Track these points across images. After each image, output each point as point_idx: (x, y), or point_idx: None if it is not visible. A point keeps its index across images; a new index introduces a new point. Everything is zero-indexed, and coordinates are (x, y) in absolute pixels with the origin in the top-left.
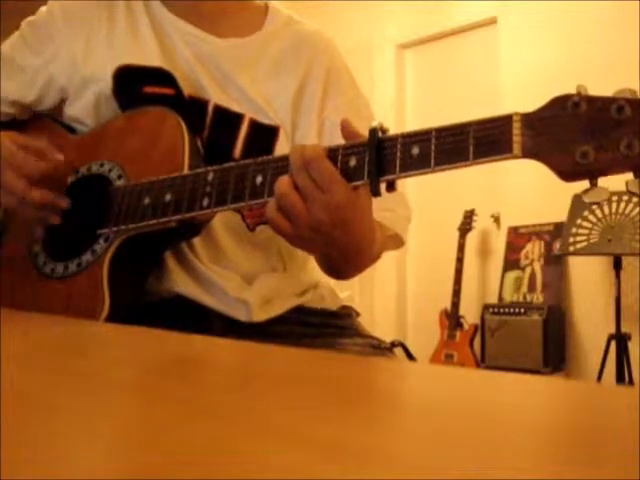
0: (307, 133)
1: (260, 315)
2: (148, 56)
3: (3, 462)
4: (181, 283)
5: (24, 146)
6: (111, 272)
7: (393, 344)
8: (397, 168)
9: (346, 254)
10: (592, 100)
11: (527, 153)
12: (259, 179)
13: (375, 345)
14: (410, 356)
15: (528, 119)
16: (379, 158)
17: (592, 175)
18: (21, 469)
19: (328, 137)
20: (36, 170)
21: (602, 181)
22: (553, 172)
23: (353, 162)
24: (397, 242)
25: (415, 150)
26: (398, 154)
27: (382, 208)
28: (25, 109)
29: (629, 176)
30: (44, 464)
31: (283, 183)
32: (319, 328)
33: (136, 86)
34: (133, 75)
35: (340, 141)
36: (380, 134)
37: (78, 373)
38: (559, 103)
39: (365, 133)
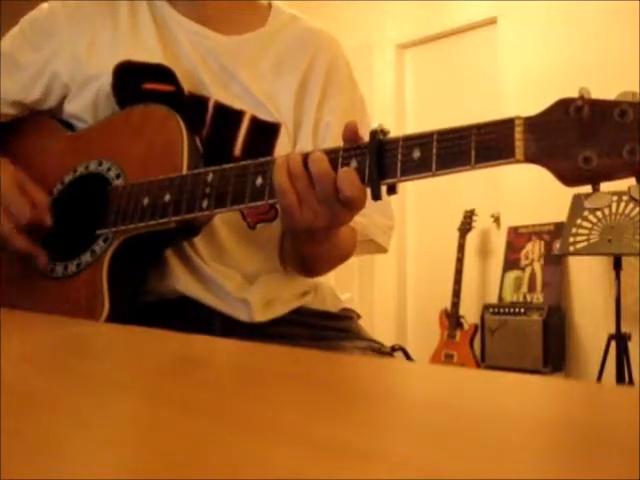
0: (306, 131)
1: (261, 315)
2: (149, 53)
3: (3, 462)
4: (182, 282)
5: (23, 190)
6: (111, 272)
7: (393, 348)
8: (398, 171)
9: (315, 245)
10: (595, 104)
11: (529, 158)
12: (259, 180)
13: (376, 349)
14: (410, 360)
15: (530, 123)
16: (380, 161)
17: (594, 180)
18: (21, 469)
19: (322, 137)
20: (25, 220)
21: (604, 183)
22: (555, 177)
23: (354, 165)
24: (372, 248)
25: (416, 153)
26: (399, 157)
27: (360, 213)
28: (26, 108)
29: (632, 179)
30: (44, 464)
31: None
32: (320, 330)
33: (136, 82)
34: (133, 71)
35: (333, 142)
36: (381, 136)
37: (78, 373)
38: (561, 107)
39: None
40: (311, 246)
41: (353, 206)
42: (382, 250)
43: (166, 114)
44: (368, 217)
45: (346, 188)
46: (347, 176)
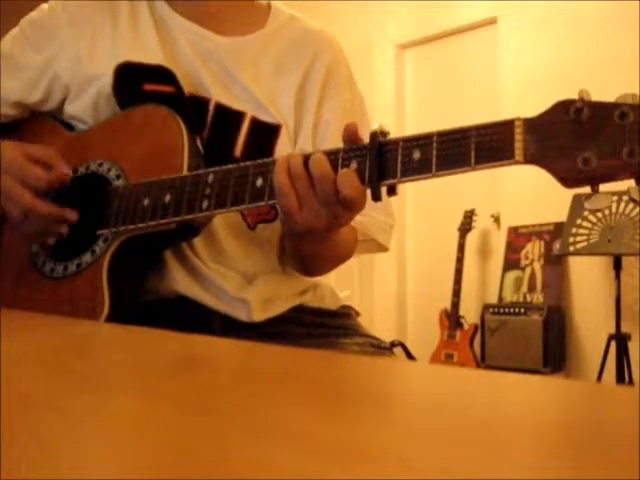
0: (306, 131)
1: (260, 315)
2: (149, 53)
3: (3, 462)
4: (181, 282)
5: (30, 156)
6: (110, 272)
7: (393, 344)
8: (398, 173)
9: (316, 244)
10: (595, 106)
11: (529, 159)
12: (259, 182)
13: (375, 345)
14: (410, 356)
15: (530, 124)
16: (380, 162)
17: (594, 182)
18: (21, 469)
19: (321, 137)
20: (43, 182)
21: (603, 184)
22: (555, 178)
23: (354, 166)
24: (373, 247)
25: (416, 155)
26: (399, 158)
27: (361, 213)
28: (27, 109)
29: (631, 180)
30: (44, 464)
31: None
32: (319, 328)
33: (136, 84)
34: (133, 72)
35: (332, 143)
36: (380, 137)
37: (78, 373)
38: (561, 108)
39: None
40: (312, 246)
41: (353, 207)
42: (383, 249)
43: (167, 115)
44: (369, 216)
45: (346, 189)
46: (347, 177)
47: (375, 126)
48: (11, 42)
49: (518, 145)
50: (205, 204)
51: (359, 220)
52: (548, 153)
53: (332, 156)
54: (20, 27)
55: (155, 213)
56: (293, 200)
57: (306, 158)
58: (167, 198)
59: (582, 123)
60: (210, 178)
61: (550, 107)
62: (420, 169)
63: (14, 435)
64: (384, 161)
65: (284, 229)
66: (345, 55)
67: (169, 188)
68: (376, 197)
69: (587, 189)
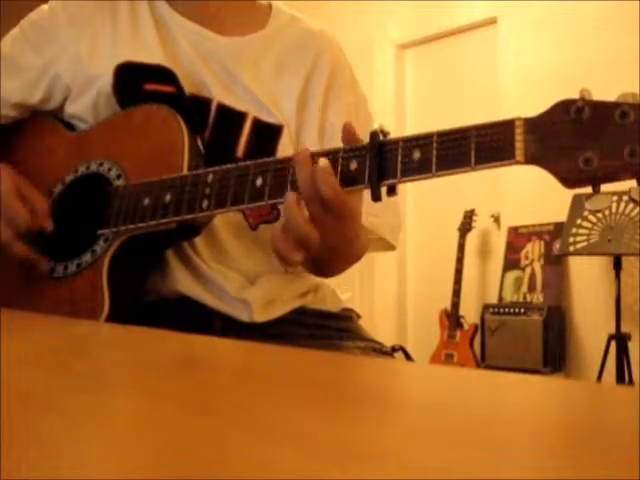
0: (310, 133)
1: (262, 315)
2: (150, 54)
3: (3, 462)
4: (183, 282)
5: (22, 195)
6: (111, 272)
7: (394, 348)
8: (398, 172)
9: (333, 255)
10: (596, 105)
11: (530, 159)
12: (259, 181)
13: (376, 349)
14: (410, 360)
15: (531, 124)
16: (380, 162)
17: (595, 182)
18: (21, 469)
19: (329, 139)
20: (24, 226)
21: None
22: (556, 179)
23: (354, 166)
24: (382, 246)
25: (416, 154)
26: (399, 158)
27: (369, 213)
28: (28, 110)
29: (632, 181)
30: (44, 464)
31: (295, 214)
32: (320, 330)
33: (137, 83)
34: (134, 72)
35: (340, 143)
36: (381, 137)
37: (78, 373)
38: (562, 108)
39: (362, 136)
40: (326, 254)
41: (331, 206)
42: (391, 248)
43: (167, 115)
44: (378, 215)
45: (322, 185)
46: (323, 172)
47: (375, 126)
48: (11, 43)
49: (519, 145)
50: (205, 204)
51: (370, 220)
52: (549, 153)
53: (332, 156)
54: (20, 28)
55: (155, 213)
56: (309, 227)
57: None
58: (167, 198)
59: (583, 123)
60: (210, 178)
61: (551, 107)
62: (420, 169)
63: (14, 435)
64: (384, 161)
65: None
66: (346, 56)
67: (169, 188)
68: (376, 197)
69: (588, 189)
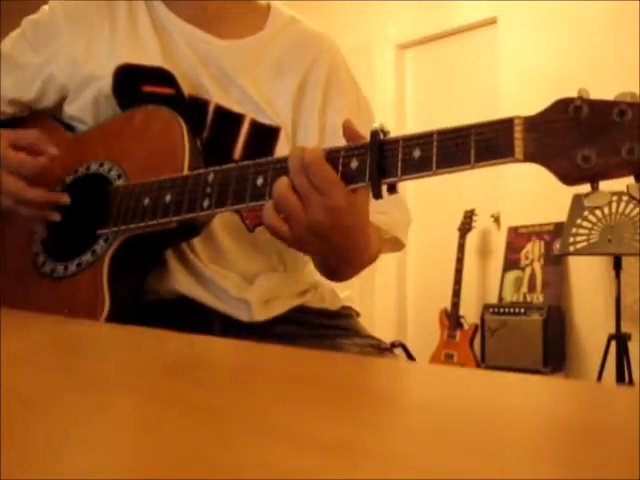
0: (308, 134)
1: (261, 315)
2: (148, 56)
3: (3, 462)
4: (182, 282)
5: (15, 144)
6: (111, 272)
7: (393, 344)
8: (399, 171)
9: (343, 256)
10: (594, 104)
11: (529, 157)
12: (260, 180)
13: (375, 345)
14: (410, 356)
15: (530, 123)
16: (380, 160)
17: (593, 179)
18: (21, 469)
19: (329, 139)
20: (31, 168)
21: (603, 182)
22: (555, 176)
23: (354, 164)
24: (395, 245)
25: (417, 153)
26: (400, 156)
27: (378, 211)
28: (24, 107)
29: (630, 178)
30: (44, 464)
31: (281, 185)
32: (319, 329)
33: (135, 85)
34: (133, 74)
35: (341, 143)
36: (381, 136)
37: (78, 373)
38: (561, 107)
39: (365, 135)
40: (330, 261)
41: (322, 186)
42: (400, 247)
43: (168, 116)
44: (388, 214)
45: (311, 164)
46: (312, 151)
47: (375, 125)
48: (12, 42)
49: (518, 143)
50: (206, 203)
51: (382, 219)
52: (547, 151)
53: (333, 154)
54: (21, 28)
55: (156, 212)
56: (294, 198)
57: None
58: (168, 197)
59: (581, 121)
60: (210, 177)
61: (549, 105)
62: (420, 167)
63: (14, 435)
64: (385, 159)
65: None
66: (344, 57)
67: (170, 187)
68: (377, 195)
69: (588, 189)
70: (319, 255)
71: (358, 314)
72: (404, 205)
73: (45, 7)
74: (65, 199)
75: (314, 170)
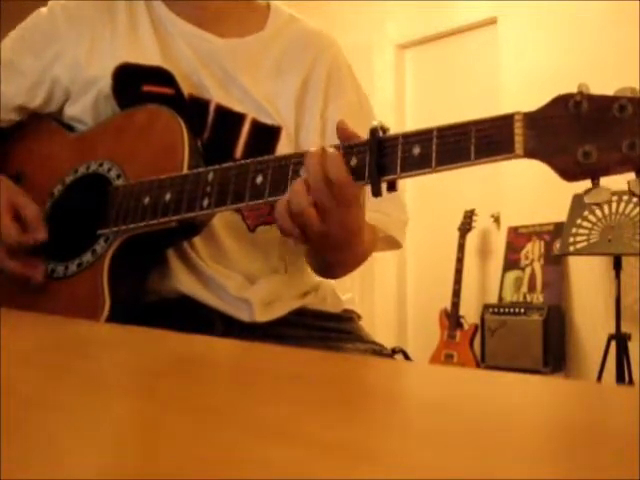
0: (310, 133)
1: (262, 315)
2: (148, 55)
3: (3, 462)
4: (183, 281)
5: (14, 210)
6: (112, 272)
7: (394, 350)
8: (398, 168)
9: (339, 252)
10: (594, 99)
11: (529, 153)
12: (259, 179)
13: (377, 351)
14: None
15: (530, 118)
16: (380, 158)
17: (594, 175)
18: (21, 469)
19: (330, 138)
20: (16, 243)
21: (603, 180)
22: (555, 172)
23: (354, 162)
24: (391, 244)
25: (416, 150)
26: (399, 154)
27: (374, 209)
28: (28, 113)
29: (631, 175)
30: (44, 464)
31: (301, 196)
32: (321, 331)
33: (135, 85)
34: (132, 74)
35: None
36: (381, 134)
37: (79, 373)
38: (561, 102)
39: (366, 134)
40: (328, 255)
41: (342, 194)
42: (397, 246)
43: (167, 115)
44: (385, 213)
45: (333, 169)
46: (333, 158)
47: (375, 123)
48: (11, 47)
49: (518, 139)
50: (206, 202)
51: (378, 218)
52: (548, 147)
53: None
54: (19, 31)
55: (156, 212)
56: (313, 212)
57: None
58: (167, 196)
59: (581, 116)
60: (210, 176)
61: (549, 101)
62: (420, 164)
63: (14, 435)
64: (384, 157)
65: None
66: (345, 56)
67: (169, 187)
68: (376, 193)
69: (587, 185)
70: (317, 251)
71: (359, 317)
72: (401, 204)
73: (43, 9)
74: (39, 276)
75: (343, 191)
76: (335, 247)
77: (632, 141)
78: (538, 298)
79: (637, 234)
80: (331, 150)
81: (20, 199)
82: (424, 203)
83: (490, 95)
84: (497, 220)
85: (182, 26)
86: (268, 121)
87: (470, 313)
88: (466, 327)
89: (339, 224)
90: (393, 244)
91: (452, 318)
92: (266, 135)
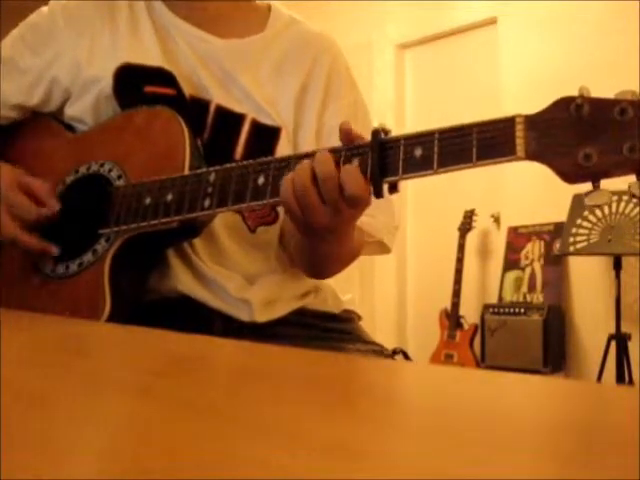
0: (306, 134)
1: (263, 316)
2: (149, 56)
3: (3, 462)
4: (184, 282)
5: (24, 186)
6: (112, 272)
7: (394, 351)
8: (400, 170)
9: (331, 245)
10: (595, 102)
11: (530, 155)
12: (261, 180)
13: (377, 352)
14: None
15: (531, 121)
16: (382, 160)
17: (595, 177)
18: (21, 469)
19: (326, 140)
20: (30, 216)
21: (603, 182)
22: (556, 174)
23: (356, 163)
24: (381, 248)
25: (418, 152)
26: (401, 155)
27: (364, 214)
28: (28, 111)
29: (631, 177)
30: (44, 464)
31: (311, 197)
32: (321, 331)
33: (136, 86)
34: (134, 74)
35: (338, 144)
36: (382, 135)
37: (79, 373)
38: (562, 105)
39: (361, 135)
40: (321, 247)
41: (357, 204)
42: (386, 250)
43: (169, 116)
44: (374, 217)
45: (350, 186)
46: (350, 173)
47: (376, 124)
48: (11, 45)
49: (519, 141)
50: (207, 203)
51: (366, 221)
52: (549, 149)
53: (334, 154)
54: (20, 30)
55: (157, 212)
56: (296, 207)
57: (311, 162)
58: (169, 197)
59: (582, 119)
60: (212, 177)
61: (551, 104)
62: (422, 166)
63: (14, 435)
64: (386, 158)
65: (293, 231)
66: (345, 57)
67: (171, 187)
68: (378, 194)
69: (588, 187)
70: (311, 240)
71: (360, 317)
72: (391, 209)
73: (44, 8)
74: (53, 251)
75: (357, 200)
76: (330, 233)
77: (633, 144)
78: (538, 298)
79: (637, 234)
80: (350, 164)
81: (25, 177)
82: (424, 203)
83: (490, 95)
84: (497, 220)
85: (182, 27)
86: (268, 122)
87: (470, 313)
88: (466, 327)
89: (349, 222)
90: (383, 249)
91: (452, 318)
92: (266, 135)
